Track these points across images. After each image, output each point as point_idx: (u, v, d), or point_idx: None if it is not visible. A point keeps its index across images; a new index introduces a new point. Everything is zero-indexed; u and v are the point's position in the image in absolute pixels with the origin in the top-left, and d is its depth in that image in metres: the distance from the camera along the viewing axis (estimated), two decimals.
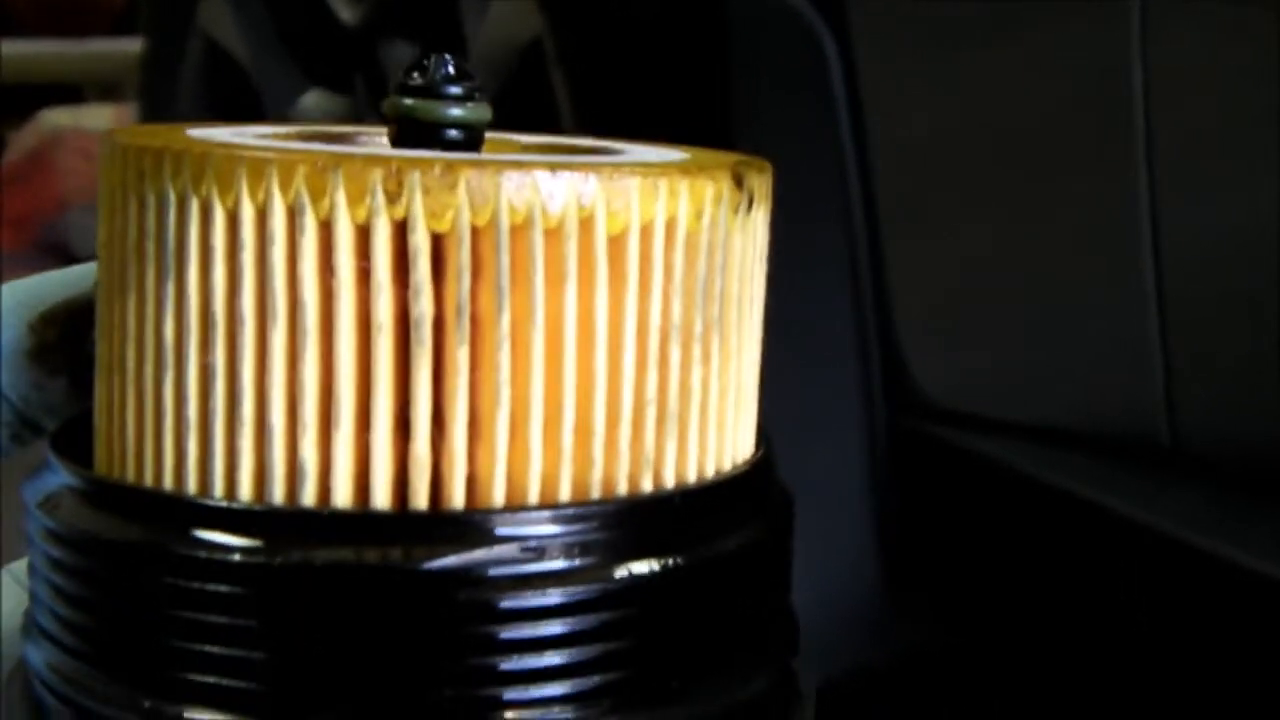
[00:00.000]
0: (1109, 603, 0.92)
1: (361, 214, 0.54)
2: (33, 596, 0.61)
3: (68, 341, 0.68)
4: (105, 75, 2.62)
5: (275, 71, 1.36)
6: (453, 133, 0.62)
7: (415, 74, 0.63)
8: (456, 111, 0.62)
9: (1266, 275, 0.85)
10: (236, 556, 0.55)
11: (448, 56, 0.63)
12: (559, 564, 0.55)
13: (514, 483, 0.56)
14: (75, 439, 0.63)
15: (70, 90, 2.65)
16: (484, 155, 0.59)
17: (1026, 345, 0.95)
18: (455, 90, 0.62)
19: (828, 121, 0.99)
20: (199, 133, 0.62)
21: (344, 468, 0.55)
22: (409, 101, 0.62)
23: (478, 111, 0.63)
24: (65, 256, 2.22)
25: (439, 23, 1.21)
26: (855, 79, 0.99)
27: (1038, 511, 0.94)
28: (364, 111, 1.29)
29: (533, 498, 0.56)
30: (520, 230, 0.55)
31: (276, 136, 0.64)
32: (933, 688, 1.01)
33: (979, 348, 0.97)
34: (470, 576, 0.54)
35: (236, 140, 0.59)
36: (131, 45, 1.53)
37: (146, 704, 0.56)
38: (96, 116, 2.50)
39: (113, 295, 0.59)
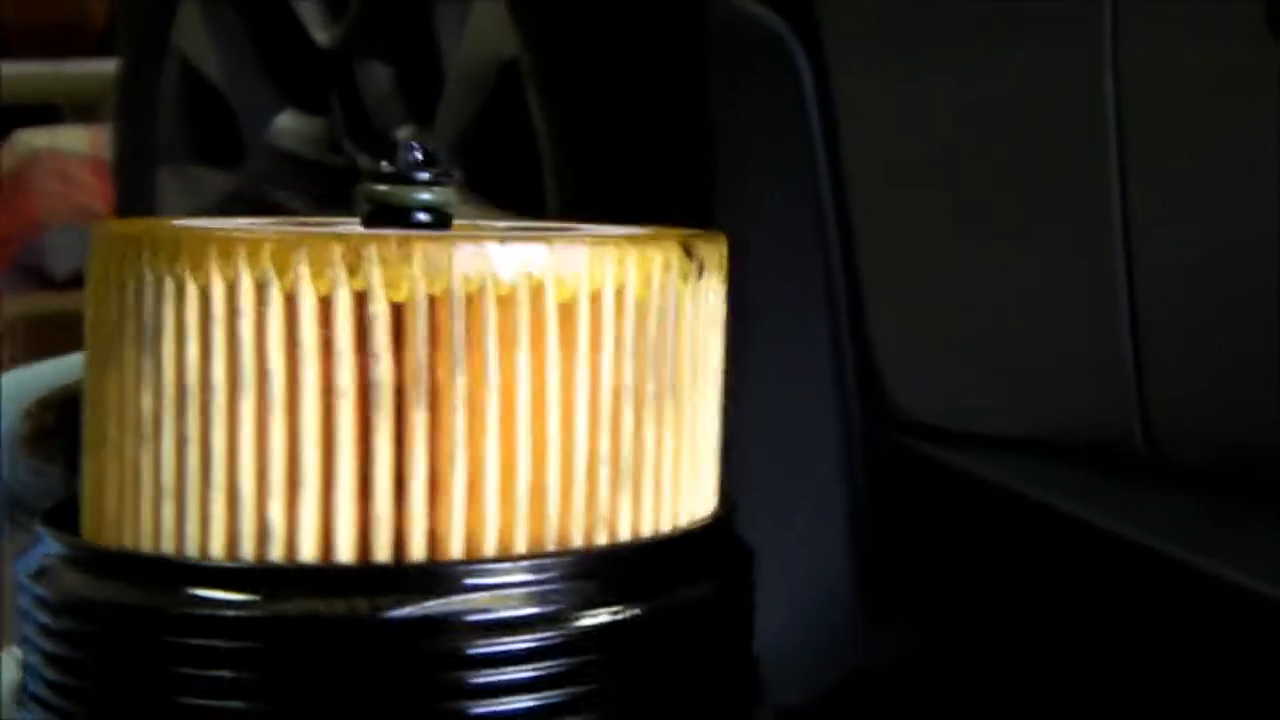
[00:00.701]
0: (1087, 613, 0.93)
1: (324, 286, 0.57)
2: (26, 667, 0.64)
3: (64, 427, 0.71)
4: (83, 96, 2.62)
5: (251, 93, 1.38)
6: (421, 215, 0.66)
7: (385, 161, 0.66)
8: (424, 195, 0.66)
9: (1239, 281, 0.86)
10: (227, 612, 0.58)
11: (416, 143, 0.66)
12: (523, 611, 0.58)
13: (472, 538, 0.58)
14: (66, 517, 0.66)
15: (48, 110, 2.66)
16: (442, 231, 0.63)
17: (1001, 357, 0.96)
18: (423, 175, 0.66)
19: (802, 136, 1.01)
20: (183, 223, 0.66)
21: (309, 527, 0.58)
22: (380, 188, 0.66)
23: (444, 195, 0.66)
24: (41, 278, 2.24)
25: (415, 44, 1.23)
26: (828, 91, 1.01)
27: (1015, 523, 0.95)
28: (339, 133, 1.31)
29: (489, 552, 0.58)
30: (474, 299, 0.58)
31: (256, 225, 0.68)
32: (912, 701, 1.02)
33: (954, 361, 0.98)
34: (447, 624, 0.57)
35: (212, 225, 0.63)
36: (110, 66, 1.54)
37: None
38: (73, 137, 2.52)
39: (97, 373, 0.62)
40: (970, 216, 0.99)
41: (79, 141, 2.56)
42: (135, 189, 1.53)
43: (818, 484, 1.03)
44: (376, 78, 1.31)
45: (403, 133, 1.31)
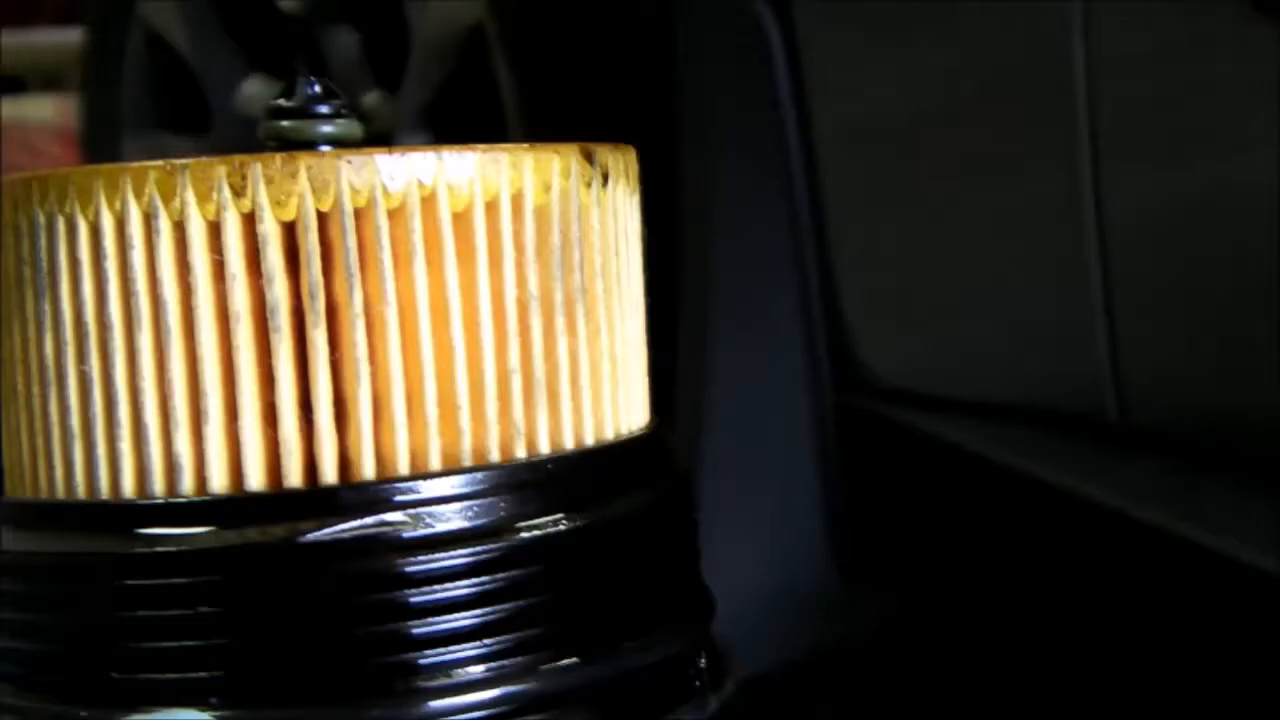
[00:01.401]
0: (1059, 578, 0.92)
1: (211, 210, 0.56)
2: None
3: None
4: (49, 66, 2.62)
5: (216, 60, 1.38)
6: (325, 149, 0.65)
7: (283, 97, 0.65)
8: (326, 129, 0.65)
9: (1210, 247, 0.85)
10: (170, 548, 0.56)
11: (314, 78, 0.65)
12: (452, 527, 0.57)
13: (383, 458, 0.57)
14: None
15: (12, 81, 2.65)
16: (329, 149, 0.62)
17: (972, 322, 0.95)
18: (324, 109, 0.65)
19: (771, 100, 1.00)
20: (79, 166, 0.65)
21: (217, 458, 0.57)
22: (281, 124, 0.65)
23: (348, 128, 0.65)
24: None
25: (381, 11, 1.22)
26: (797, 55, 1.00)
27: (986, 488, 0.94)
28: None
29: (402, 470, 0.57)
30: (364, 213, 0.57)
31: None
32: (885, 668, 1.01)
33: (925, 326, 0.97)
34: (384, 543, 0.56)
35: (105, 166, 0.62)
36: (74, 36, 1.55)
37: (84, 713, 0.58)
38: (39, 108, 2.52)
39: (4, 327, 0.61)
40: (943, 182, 0.98)
41: (46, 112, 2.56)
42: (103, 159, 1.53)
43: (790, 450, 1.02)
44: (342, 44, 1.30)
45: (369, 100, 1.31)
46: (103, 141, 1.54)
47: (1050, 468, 0.93)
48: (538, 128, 1.09)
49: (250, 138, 1.40)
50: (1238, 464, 0.88)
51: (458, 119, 1.16)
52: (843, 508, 1.02)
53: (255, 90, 1.39)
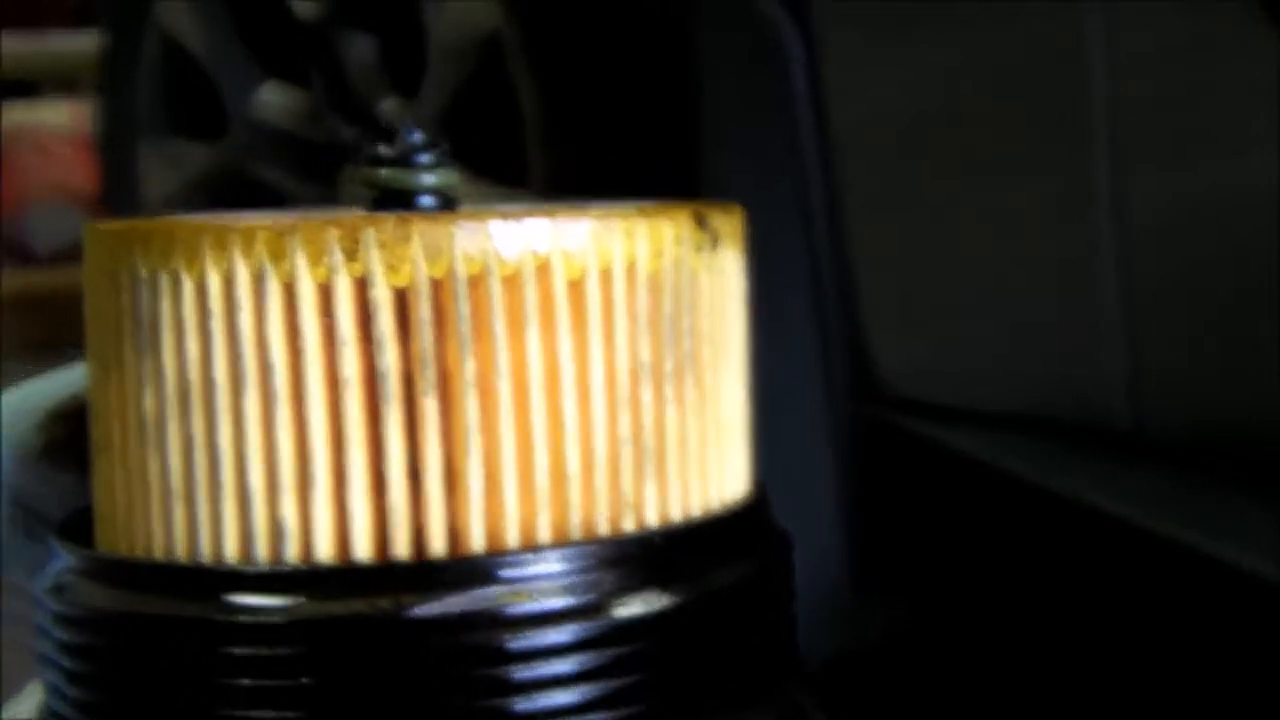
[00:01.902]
0: (1073, 589, 0.91)
1: (322, 273, 0.55)
2: (46, 686, 0.62)
3: (76, 437, 0.70)
4: (62, 70, 2.60)
5: (232, 65, 1.37)
6: (426, 200, 0.63)
7: (384, 145, 0.64)
8: (428, 179, 0.63)
9: (1229, 259, 0.84)
10: (261, 618, 0.55)
11: (414, 125, 0.64)
12: (558, 603, 0.56)
13: (492, 529, 0.56)
14: (82, 527, 0.64)
15: (26, 85, 2.64)
16: (441, 211, 0.61)
17: (989, 333, 0.94)
18: (425, 159, 0.64)
19: (789, 110, 0.99)
20: (182, 219, 0.63)
21: (324, 525, 0.56)
22: (382, 172, 0.64)
23: (448, 177, 0.64)
24: (25, 254, 2.20)
25: (398, 16, 1.21)
26: (815, 62, 0.99)
27: (1002, 499, 0.93)
28: (321, 106, 1.28)
29: (512, 543, 0.56)
30: (478, 279, 0.55)
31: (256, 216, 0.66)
32: (902, 677, 1.00)
33: (942, 336, 0.96)
34: (489, 619, 0.55)
35: (209, 218, 0.61)
36: (88, 40, 1.54)
37: None
38: (54, 112, 2.51)
39: (97, 376, 0.60)
40: (959, 192, 0.97)
41: (61, 116, 2.55)
42: (119, 164, 1.52)
43: (805, 460, 1.01)
44: (359, 50, 1.29)
45: (386, 105, 1.29)
46: (118, 145, 1.53)
47: (1062, 478, 0.92)
48: (556, 132, 1.08)
49: (265, 144, 1.38)
50: (1250, 475, 0.88)
51: (476, 124, 1.15)
52: (857, 516, 1.01)
53: (271, 96, 1.38)
